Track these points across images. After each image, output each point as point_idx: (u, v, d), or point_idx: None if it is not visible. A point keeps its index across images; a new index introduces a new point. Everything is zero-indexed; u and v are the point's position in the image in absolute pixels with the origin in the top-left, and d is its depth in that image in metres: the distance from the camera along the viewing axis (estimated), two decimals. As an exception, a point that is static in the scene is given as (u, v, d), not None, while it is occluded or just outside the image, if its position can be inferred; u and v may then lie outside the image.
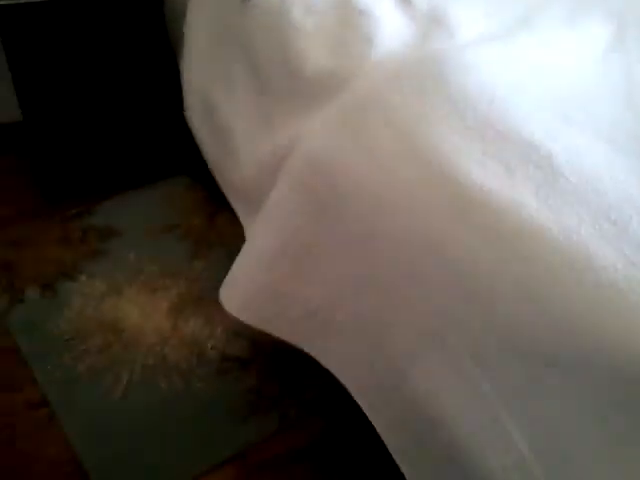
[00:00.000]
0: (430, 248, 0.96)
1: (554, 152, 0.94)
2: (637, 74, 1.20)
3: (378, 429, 1.16)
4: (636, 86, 1.16)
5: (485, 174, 0.93)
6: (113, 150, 2.02)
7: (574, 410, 0.81)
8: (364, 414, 1.18)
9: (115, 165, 2.05)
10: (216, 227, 1.92)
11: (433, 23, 1.33)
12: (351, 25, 1.28)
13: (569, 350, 0.81)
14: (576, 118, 1.03)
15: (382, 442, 1.14)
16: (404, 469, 1.12)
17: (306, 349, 1.27)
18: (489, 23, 1.34)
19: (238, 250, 1.37)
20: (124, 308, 1.66)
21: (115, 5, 1.81)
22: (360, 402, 1.20)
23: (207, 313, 1.65)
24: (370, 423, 1.16)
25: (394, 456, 1.13)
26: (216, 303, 1.64)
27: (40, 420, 1.42)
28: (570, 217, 0.86)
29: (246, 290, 1.23)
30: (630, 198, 0.89)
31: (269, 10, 1.43)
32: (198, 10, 1.70)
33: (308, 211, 1.12)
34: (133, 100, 1.96)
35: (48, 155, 1.95)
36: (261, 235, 1.21)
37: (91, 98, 1.91)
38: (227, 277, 1.30)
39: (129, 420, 1.41)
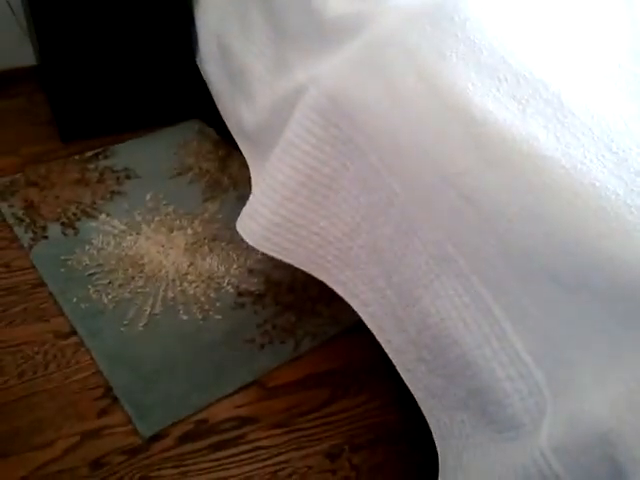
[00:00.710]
0: (445, 178, 1.04)
1: (563, 89, 1.01)
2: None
3: (388, 352, 1.24)
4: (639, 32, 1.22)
5: (498, 108, 1.00)
6: (128, 92, 2.07)
7: (575, 321, 0.90)
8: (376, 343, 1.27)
9: (130, 107, 2.10)
10: (227, 170, 1.99)
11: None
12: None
13: (573, 268, 0.89)
14: (583, 60, 1.09)
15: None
16: (413, 389, 1.22)
17: (322, 278, 1.35)
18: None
19: (249, 193, 1.44)
20: (143, 246, 1.73)
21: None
22: (371, 326, 1.28)
23: (222, 251, 1.73)
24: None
25: (404, 377, 1.23)
26: (230, 242, 1.75)
27: (69, 348, 1.50)
28: (576, 148, 0.94)
29: (265, 221, 1.30)
30: (631, 133, 0.97)
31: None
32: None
33: (330, 144, 1.19)
34: (148, 44, 2.00)
35: (65, 97, 2.00)
36: (281, 167, 1.27)
37: (106, 41, 1.95)
38: (244, 209, 1.37)
39: (152, 348, 1.50)
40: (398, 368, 1.24)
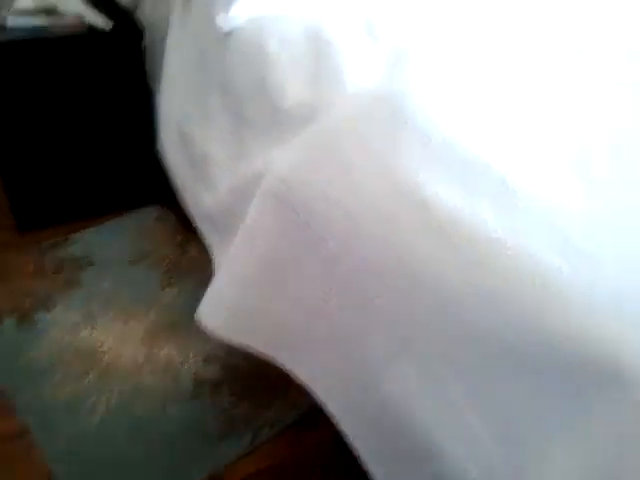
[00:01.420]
0: (400, 260, 1.03)
1: (508, 170, 1.03)
2: (587, 110, 1.29)
3: (348, 435, 1.20)
4: (583, 112, 1.25)
5: (447, 192, 1.01)
6: (86, 179, 2.06)
7: (531, 399, 0.88)
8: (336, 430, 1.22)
9: (88, 194, 2.09)
10: (186, 255, 1.97)
11: (399, 58, 1.41)
12: (323, 57, 1.36)
13: (528, 347, 0.88)
14: (528, 142, 1.12)
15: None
16: (374, 470, 1.17)
17: (281, 362, 1.31)
18: (450, 58, 1.42)
19: (208, 278, 1.41)
20: (99, 337, 1.68)
21: (95, 40, 1.86)
22: (332, 410, 1.24)
23: (180, 339, 1.69)
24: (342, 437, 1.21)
25: (366, 463, 1.18)
26: (189, 330, 1.70)
27: (20, 449, 1.42)
28: (522, 228, 0.95)
29: (226, 308, 1.28)
30: (576, 212, 0.98)
31: (247, 43, 1.50)
32: (177, 44, 1.77)
33: (285, 229, 1.18)
34: (107, 130, 2.01)
35: (21, 186, 1.98)
36: (240, 254, 1.26)
37: (64, 127, 1.95)
38: (205, 297, 1.34)
39: (108, 446, 1.43)
40: (360, 454, 1.19)
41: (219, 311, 1.33)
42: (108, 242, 2.00)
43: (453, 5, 1.68)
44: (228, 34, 1.60)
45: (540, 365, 0.89)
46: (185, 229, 2.01)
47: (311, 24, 1.51)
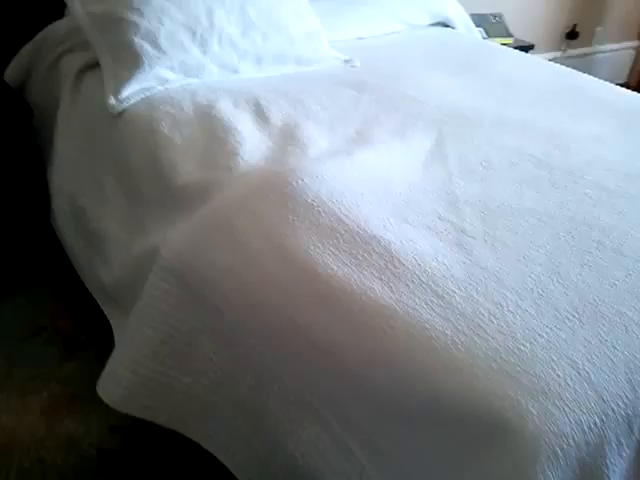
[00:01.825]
0: (297, 331, 1.12)
1: (391, 242, 1.16)
2: (455, 176, 1.46)
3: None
4: (454, 185, 1.41)
5: (337, 263, 1.12)
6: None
7: (423, 450, 0.98)
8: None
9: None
10: (84, 329, 1.97)
11: (287, 138, 1.54)
12: (217, 138, 1.46)
13: (415, 404, 0.98)
14: (408, 215, 1.26)
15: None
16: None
17: (187, 434, 1.36)
18: (333, 138, 1.57)
19: (108, 349, 1.45)
20: (-4, 417, 1.66)
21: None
22: (239, 477, 1.29)
23: (81, 412, 1.69)
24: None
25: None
26: (89, 402, 1.71)
27: None
28: (407, 295, 1.06)
29: (127, 382, 1.31)
30: (452, 277, 1.11)
31: (139, 123, 1.58)
32: (67, 122, 1.82)
33: (186, 303, 1.25)
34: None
35: None
36: (140, 328, 1.30)
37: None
38: (104, 371, 1.37)
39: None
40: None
41: (117, 388, 1.36)
42: (2, 320, 1.97)
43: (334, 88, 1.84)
44: (119, 114, 1.67)
45: (429, 420, 0.99)
46: (82, 302, 2.01)
47: (201, 104, 1.62)
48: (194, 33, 1.72)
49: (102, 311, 1.77)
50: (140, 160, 1.54)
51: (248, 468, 1.28)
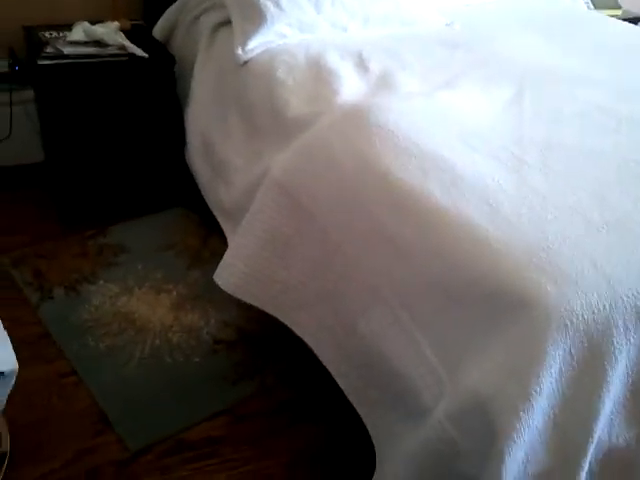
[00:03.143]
0: (372, 230, 1.40)
1: (456, 162, 1.41)
2: (526, 120, 1.67)
3: (335, 376, 1.54)
4: (523, 127, 1.62)
5: (409, 177, 1.38)
6: (122, 183, 2.44)
7: (461, 322, 1.23)
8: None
9: (123, 196, 2.47)
10: (208, 247, 2.34)
11: (382, 84, 1.81)
12: (322, 81, 1.75)
13: (458, 284, 1.24)
14: (476, 144, 1.49)
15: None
16: (355, 404, 1.51)
17: (282, 319, 1.67)
18: (423, 84, 1.81)
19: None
20: (134, 305, 2.05)
21: (135, 66, 2.27)
22: (321, 356, 1.59)
23: (202, 309, 2.05)
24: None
25: (347, 395, 1.52)
26: (209, 302, 2.07)
27: (70, 385, 1.78)
28: (462, 202, 1.31)
29: (237, 272, 1.64)
30: (504, 192, 1.35)
31: (260, 70, 1.90)
32: (203, 70, 2.18)
33: (285, 210, 1.56)
34: (142, 141, 2.40)
35: (67, 188, 2.37)
36: (249, 230, 1.62)
37: (106, 140, 2.34)
38: (221, 263, 1.70)
39: (140, 384, 1.78)
40: (343, 388, 1.54)
41: (231, 277, 1.69)
42: (142, 234, 2.38)
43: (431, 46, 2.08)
44: (245, 63, 2.00)
45: (469, 298, 1.25)
46: (207, 226, 2.39)
47: (312, 55, 1.91)
48: (310, -6, 2.01)
49: (222, 232, 2.12)
50: (259, 99, 1.86)
51: (330, 352, 1.57)
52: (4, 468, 1.48)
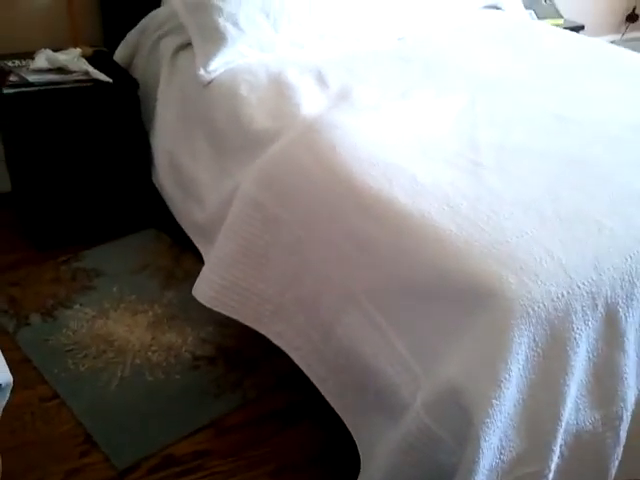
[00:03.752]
0: (344, 235, 1.47)
1: (416, 171, 1.48)
2: (480, 126, 1.76)
3: (315, 382, 1.60)
4: (477, 132, 1.71)
5: (375, 182, 1.46)
6: (92, 207, 2.47)
7: (432, 318, 1.30)
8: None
9: (94, 220, 2.49)
10: (181, 266, 2.38)
11: (341, 98, 1.88)
12: (284, 97, 1.82)
13: (426, 282, 1.31)
14: (431, 152, 1.58)
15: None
16: (336, 407, 1.57)
17: (261, 331, 1.72)
18: (380, 97, 1.89)
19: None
20: (112, 327, 2.08)
21: (99, 91, 2.31)
22: (302, 366, 1.64)
23: (179, 327, 2.08)
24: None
25: (328, 399, 1.57)
26: (186, 320, 2.11)
27: (52, 408, 1.81)
28: (425, 205, 1.39)
29: (215, 285, 1.69)
30: (462, 194, 1.43)
31: (223, 90, 1.96)
32: (166, 93, 2.23)
33: (258, 222, 1.62)
34: (109, 166, 2.42)
35: (37, 215, 2.40)
36: (225, 243, 1.68)
37: (73, 165, 2.36)
38: (199, 277, 1.75)
39: (123, 403, 1.81)
40: (324, 394, 1.59)
41: (208, 290, 1.74)
42: (115, 257, 2.41)
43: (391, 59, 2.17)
44: (208, 84, 2.06)
45: (437, 295, 1.32)
46: (178, 245, 2.43)
47: (273, 72, 1.98)
48: (268, 14, 2.08)
49: (195, 251, 2.16)
50: (224, 118, 1.93)
51: (308, 357, 1.63)
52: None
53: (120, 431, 1.74)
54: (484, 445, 1.17)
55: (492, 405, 1.17)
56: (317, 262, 1.55)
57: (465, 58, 2.22)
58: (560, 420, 1.25)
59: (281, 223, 1.60)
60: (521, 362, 1.21)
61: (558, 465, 1.30)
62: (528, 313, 1.20)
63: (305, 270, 1.58)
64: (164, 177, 2.28)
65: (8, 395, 1.12)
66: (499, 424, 1.19)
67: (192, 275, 2.29)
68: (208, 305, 1.71)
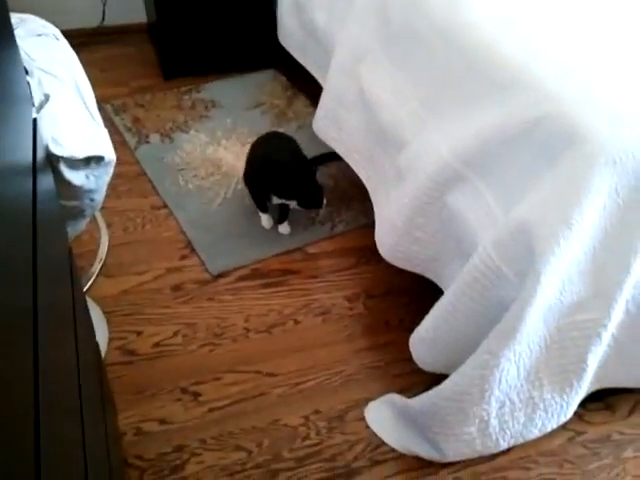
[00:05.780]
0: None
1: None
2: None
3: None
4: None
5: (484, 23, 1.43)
6: (221, 42, 2.57)
7: (525, 169, 1.29)
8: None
9: (220, 55, 2.60)
10: (292, 107, 2.45)
11: None
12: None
13: (520, 130, 1.30)
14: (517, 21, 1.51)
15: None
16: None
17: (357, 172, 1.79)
18: None
19: (307, 124, 1.89)
20: (221, 153, 2.21)
21: None
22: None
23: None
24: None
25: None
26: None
27: (161, 216, 1.98)
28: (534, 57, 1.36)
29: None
30: (575, 53, 1.38)
31: None
32: None
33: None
34: (242, 3, 2.49)
35: (172, 44, 2.52)
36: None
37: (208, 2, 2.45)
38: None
39: (224, 221, 1.96)
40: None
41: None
42: (233, 92, 2.52)
43: None
44: None
45: (526, 142, 1.30)
46: (293, 88, 2.49)
47: None
48: None
49: (307, 93, 2.21)
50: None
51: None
52: (96, 273, 1.71)
53: (217, 243, 1.89)
54: (544, 280, 1.19)
55: (559, 244, 1.18)
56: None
57: None
58: (629, 273, 1.24)
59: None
60: (598, 210, 1.20)
61: (623, 321, 1.31)
62: (615, 161, 1.17)
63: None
64: (287, 15, 2.31)
65: (111, 171, 1.24)
66: (563, 265, 1.21)
67: (301, 117, 2.39)
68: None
